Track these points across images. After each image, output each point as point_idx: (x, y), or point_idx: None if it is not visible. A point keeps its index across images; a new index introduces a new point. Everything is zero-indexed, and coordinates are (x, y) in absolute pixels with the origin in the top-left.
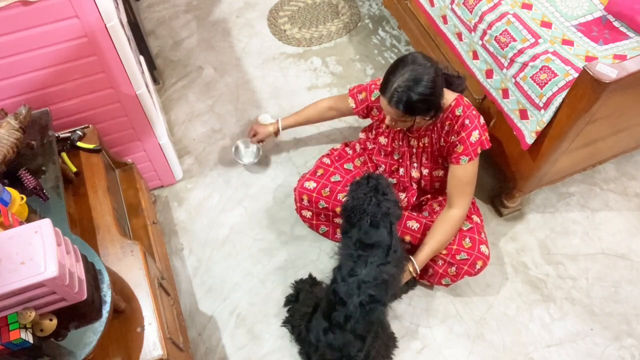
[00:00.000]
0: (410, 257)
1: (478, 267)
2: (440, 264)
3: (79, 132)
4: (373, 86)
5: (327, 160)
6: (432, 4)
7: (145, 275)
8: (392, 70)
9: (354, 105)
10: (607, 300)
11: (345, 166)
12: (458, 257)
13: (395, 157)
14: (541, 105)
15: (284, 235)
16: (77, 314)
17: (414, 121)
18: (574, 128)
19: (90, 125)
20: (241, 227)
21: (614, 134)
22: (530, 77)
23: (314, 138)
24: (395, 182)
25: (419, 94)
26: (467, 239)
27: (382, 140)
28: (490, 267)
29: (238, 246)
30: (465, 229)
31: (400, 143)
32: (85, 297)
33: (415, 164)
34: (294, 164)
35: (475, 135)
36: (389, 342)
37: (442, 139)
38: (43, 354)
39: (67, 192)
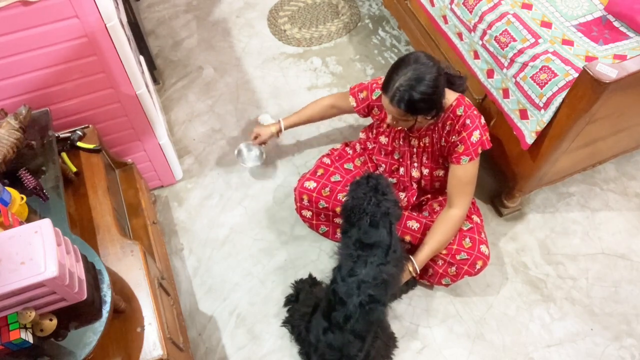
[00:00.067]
0: (410, 257)
1: (478, 267)
2: (440, 264)
3: (79, 132)
4: (374, 85)
5: (327, 160)
6: (432, 4)
7: (145, 275)
8: (395, 69)
9: (354, 104)
10: (607, 300)
11: (345, 166)
12: (458, 257)
13: (396, 157)
14: (541, 105)
15: (284, 235)
16: (77, 314)
17: (416, 120)
18: (574, 128)
19: (90, 125)
20: (241, 227)
21: (614, 134)
22: (530, 77)
23: (314, 138)
24: (395, 181)
25: (421, 93)
26: (467, 239)
27: (383, 139)
28: (490, 267)
29: (238, 246)
30: (465, 229)
31: (401, 142)
32: (85, 297)
33: (415, 164)
34: (294, 164)
35: (476, 135)
36: (389, 342)
37: (443, 138)
38: (43, 354)
39: (67, 192)
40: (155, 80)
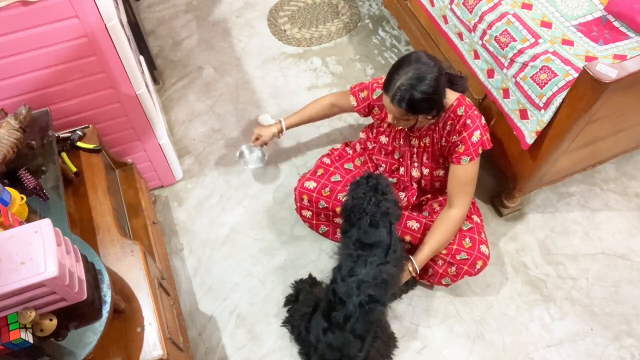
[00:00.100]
0: (410, 256)
1: (478, 267)
2: (440, 264)
3: (79, 132)
4: (375, 84)
5: (327, 160)
6: (432, 4)
7: (145, 275)
8: (396, 69)
9: (355, 104)
10: (607, 300)
11: (345, 166)
12: (458, 257)
13: (396, 157)
14: (541, 105)
15: (284, 235)
16: (77, 314)
17: (416, 120)
18: (574, 128)
19: (90, 125)
20: (241, 227)
21: (614, 134)
22: (530, 77)
23: (314, 138)
24: (395, 181)
25: (422, 92)
26: (467, 239)
27: (383, 139)
28: (490, 267)
29: (238, 246)
30: (465, 228)
31: (401, 142)
32: (85, 297)
33: (415, 164)
34: (294, 164)
35: (476, 135)
36: (389, 342)
37: (444, 138)
38: (43, 354)
39: (67, 192)
40: (155, 80)
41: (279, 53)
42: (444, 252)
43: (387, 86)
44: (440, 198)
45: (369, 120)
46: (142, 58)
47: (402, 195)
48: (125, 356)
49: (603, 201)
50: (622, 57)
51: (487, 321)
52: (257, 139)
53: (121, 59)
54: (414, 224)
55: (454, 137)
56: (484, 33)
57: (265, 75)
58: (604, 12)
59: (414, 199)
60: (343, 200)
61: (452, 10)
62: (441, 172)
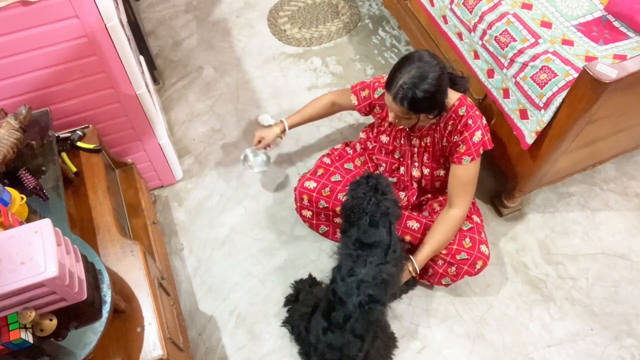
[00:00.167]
0: (410, 256)
1: (478, 267)
2: (440, 264)
3: (79, 132)
4: (376, 84)
5: (327, 160)
6: (432, 4)
7: (145, 275)
8: (398, 67)
9: (356, 102)
10: (607, 300)
11: (345, 166)
12: (458, 257)
13: (396, 156)
14: (541, 105)
15: (284, 235)
16: (77, 314)
17: (418, 119)
18: (574, 128)
19: (90, 125)
20: (241, 227)
21: (614, 134)
22: (530, 77)
23: (314, 138)
24: (395, 180)
25: (424, 91)
26: (467, 239)
27: (384, 138)
28: (490, 267)
29: (238, 246)
30: (465, 228)
31: (402, 142)
32: (85, 297)
33: (416, 163)
34: (294, 164)
35: (477, 136)
36: (389, 342)
37: (445, 138)
38: (43, 354)
39: (67, 192)
40: (155, 80)
41: (279, 53)
42: (444, 252)
43: (389, 84)
44: (441, 198)
45: (369, 120)
46: (142, 58)
47: (402, 195)
48: (125, 356)
49: (603, 201)
50: (622, 57)
51: (487, 321)
52: (259, 141)
53: (121, 59)
54: (414, 224)
55: (455, 137)
56: (484, 33)
57: (265, 75)
58: (604, 12)
59: (414, 198)
60: (343, 200)
61: (452, 10)
62: (442, 172)
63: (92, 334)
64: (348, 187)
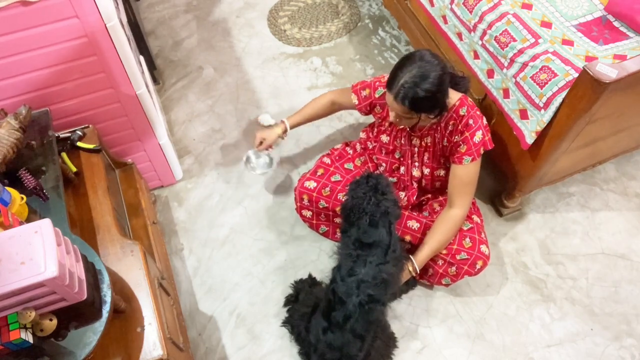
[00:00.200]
0: (410, 256)
1: (478, 267)
2: (440, 264)
3: (79, 132)
4: (377, 83)
5: (327, 160)
6: (432, 4)
7: (145, 275)
8: (400, 67)
9: (356, 102)
10: (607, 300)
11: (345, 166)
12: (458, 257)
13: (397, 156)
14: (541, 105)
15: (284, 235)
16: (77, 314)
17: (419, 119)
18: (574, 128)
19: (90, 125)
20: (241, 227)
21: (614, 134)
22: (530, 77)
23: (314, 138)
24: (395, 180)
25: (425, 90)
26: (467, 239)
27: (384, 138)
28: (490, 267)
29: (238, 246)
30: (465, 228)
31: (403, 142)
32: (85, 297)
33: (416, 163)
34: (294, 163)
35: (478, 136)
36: (389, 342)
37: (446, 138)
38: (43, 354)
39: (67, 192)
40: (155, 80)
41: (279, 53)
42: (444, 252)
43: (390, 84)
44: (441, 198)
45: (369, 119)
46: (142, 58)
47: (402, 194)
48: (125, 356)
49: (603, 201)
50: (622, 57)
51: (487, 321)
52: (260, 143)
53: (121, 59)
54: (414, 224)
55: (456, 137)
56: (484, 33)
57: (265, 75)
58: (604, 12)
59: (414, 198)
60: (343, 200)
61: (452, 10)
62: (442, 172)
63: (92, 334)
64: (348, 187)
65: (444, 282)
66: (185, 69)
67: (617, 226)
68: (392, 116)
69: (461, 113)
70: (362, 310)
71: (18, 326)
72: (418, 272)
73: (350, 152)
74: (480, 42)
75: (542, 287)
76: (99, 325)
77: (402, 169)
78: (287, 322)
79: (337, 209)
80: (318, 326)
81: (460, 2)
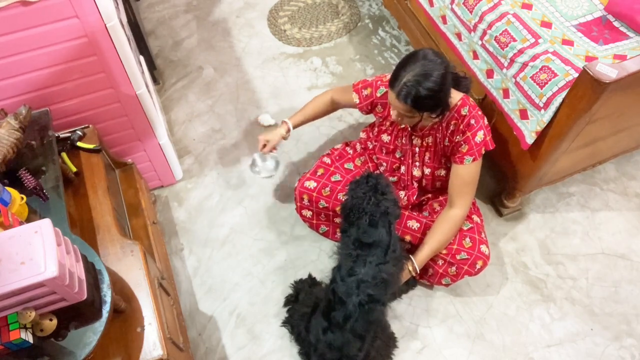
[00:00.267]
0: (410, 256)
1: (478, 267)
2: (441, 264)
3: (79, 132)
4: (379, 82)
5: (327, 160)
6: (431, 4)
7: (145, 275)
8: (403, 65)
9: (357, 101)
10: (607, 300)
11: (345, 166)
12: (458, 257)
13: (397, 155)
14: (541, 105)
15: (284, 235)
16: (77, 314)
17: (421, 118)
18: (574, 128)
19: (90, 125)
20: (241, 227)
21: (614, 134)
22: (530, 77)
23: (314, 138)
24: (396, 180)
25: (428, 89)
26: (467, 239)
27: (385, 137)
28: (490, 267)
29: (238, 246)
30: (465, 228)
31: (404, 141)
32: (85, 297)
33: (417, 163)
34: (294, 163)
35: (480, 136)
36: (389, 342)
37: (447, 138)
38: (43, 354)
39: (67, 192)
40: (155, 80)
41: (279, 53)
42: (444, 252)
43: (393, 82)
44: (441, 198)
45: (369, 119)
46: (142, 58)
47: (402, 194)
48: (125, 356)
49: (603, 201)
50: (622, 57)
51: (487, 321)
52: (264, 145)
53: (121, 59)
54: (414, 224)
55: (458, 137)
56: (484, 33)
57: (265, 75)
58: (604, 12)
59: (415, 198)
60: (343, 199)
61: (452, 10)
62: (443, 172)
63: (92, 334)
64: (348, 186)
65: (444, 282)
66: (185, 69)
67: (617, 226)
68: (394, 115)
69: (463, 113)
70: (362, 310)
71: (18, 326)
72: (418, 272)
73: (351, 152)
74: (480, 42)
75: (542, 287)
76: (99, 325)
77: (403, 168)
78: (287, 322)
79: (337, 208)
80: (318, 326)
81: (460, 2)
